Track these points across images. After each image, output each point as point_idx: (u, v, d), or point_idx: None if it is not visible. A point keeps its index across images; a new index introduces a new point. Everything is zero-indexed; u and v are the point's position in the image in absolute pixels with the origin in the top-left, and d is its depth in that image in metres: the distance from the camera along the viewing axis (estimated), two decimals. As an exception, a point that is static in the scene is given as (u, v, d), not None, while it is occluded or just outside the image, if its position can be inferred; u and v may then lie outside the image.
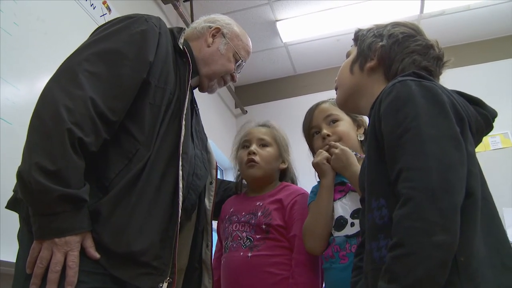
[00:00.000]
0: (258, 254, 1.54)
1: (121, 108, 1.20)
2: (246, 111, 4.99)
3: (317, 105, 1.69)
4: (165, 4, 3.45)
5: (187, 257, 1.48)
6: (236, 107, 5.01)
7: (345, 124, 1.61)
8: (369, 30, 1.25)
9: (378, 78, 1.18)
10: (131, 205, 1.15)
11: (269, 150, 1.72)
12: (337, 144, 1.54)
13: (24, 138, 1.10)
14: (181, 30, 1.54)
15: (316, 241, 1.48)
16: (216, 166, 1.69)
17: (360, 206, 1.19)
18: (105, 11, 2.51)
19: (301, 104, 4.83)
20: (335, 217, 1.49)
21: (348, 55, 1.31)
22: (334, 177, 1.55)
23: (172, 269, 1.19)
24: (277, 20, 4.10)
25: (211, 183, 1.63)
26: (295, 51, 4.62)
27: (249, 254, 1.54)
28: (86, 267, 1.07)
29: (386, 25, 1.23)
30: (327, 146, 1.56)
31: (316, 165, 1.58)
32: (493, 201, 0.97)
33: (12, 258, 1.45)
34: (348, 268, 1.27)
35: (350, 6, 3.94)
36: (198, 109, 1.65)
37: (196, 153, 1.44)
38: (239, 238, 1.60)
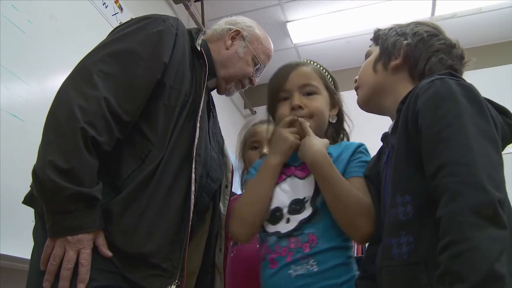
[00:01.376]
0: None
1: (134, 108, 1.20)
2: (255, 111, 4.98)
3: (296, 66, 1.40)
4: (176, 4, 3.47)
5: (200, 260, 1.47)
6: (245, 107, 5.01)
7: (322, 100, 1.34)
8: (390, 29, 1.24)
9: (403, 76, 1.17)
10: (142, 206, 1.16)
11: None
12: (307, 126, 1.27)
13: (36, 135, 1.12)
14: (199, 31, 1.53)
15: (245, 229, 1.26)
16: (232, 169, 1.66)
17: (299, 197, 1.23)
18: (117, 10, 2.53)
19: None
20: (272, 207, 1.26)
21: (368, 55, 1.29)
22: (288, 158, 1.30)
23: (181, 272, 1.19)
24: (288, 21, 4.10)
25: (226, 186, 1.61)
26: (305, 52, 4.61)
27: None
28: (98, 264, 1.08)
29: (408, 24, 1.22)
30: (295, 118, 1.29)
31: (279, 135, 1.29)
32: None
33: (13, 252, 1.48)
34: (277, 275, 1.18)
35: (361, 8, 3.93)
36: (215, 111, 1.63)
37: (212, 155, 1.43)
38: None
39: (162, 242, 1.17)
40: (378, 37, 1.27)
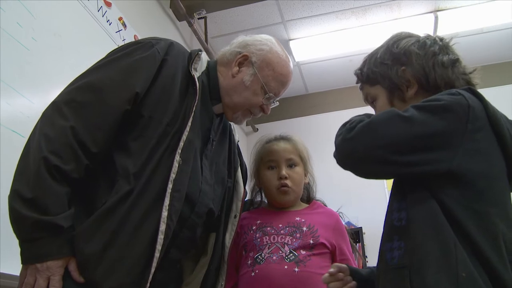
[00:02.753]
0: (305, 270, 1.49)
1: (103, 137, 1.17)
2: (257, 129, 4.99)
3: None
4: (179, 21, 3.50)
5: None
6: (247, 124, 5.02)
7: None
8: (373, 63, 1.22)
9: (421, 97, 1.12)
10: (107, 237, 1.11)
11: (298, 171, 1.68)
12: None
13: (36, 151, 1.14)
14: (198, 51, 1.41)
15: None
16: (243, 197, 1.56)
17: None
18: (121, 27, 2.55)
19: (312, 124, 4.91)
20: None
21: (371, 98, 1.26)
22: None
23: None
24: (290, 39, 4.13)
25: (235, 216, 1.51)
26: (307, 70, 4.64)
27: (296, 269, 1.49)
28: None
29: (385, 49, 1.22)
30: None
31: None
32: None
33: (13, 271, 1.47)
34: None
35: (363, 27, 3.96)
36: (219, 138, 1.51)
37: (203, 189, 1.33)
38: (280, 251, 1.54)
39: (124, 281, 1.11)
40: (368, 77, 1.24)
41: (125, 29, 2.58)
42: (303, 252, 1.53)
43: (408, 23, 3.88)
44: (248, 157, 1.83)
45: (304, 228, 1.58)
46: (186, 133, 1.24)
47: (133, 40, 2.67)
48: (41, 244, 1.05)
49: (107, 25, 2.40)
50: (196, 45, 3.71)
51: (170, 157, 1.21)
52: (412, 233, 0.94)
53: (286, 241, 1.55)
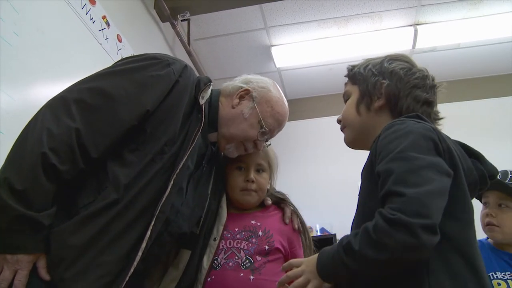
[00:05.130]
0: (260, 278, 1.50)
1: (104, 145, 1.18)
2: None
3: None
4: (163, 22, 3.50)
5: None
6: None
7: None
8: (365, 67, 1.28)
9: (385, 115, 1.22)
10: (85, 240, 1.11)
11: (265, 177, 1.69)
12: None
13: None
14: (208, 81, 1.45)
15: None
16: (226, 224, 1.57)
17: None
18: (104, 25, 2.54)
19: (291, 130, 4.91)
20: None
21: (347, 96, 1.33)
22: None
23: None
24: (272, 45, 4.16)
25: (214, 239, 1.52)
26: (288, 76, 4.67)
27: (251, 277, 1.49)
28: (34, 285, 1.07)
29: (381, 61, 1.27)
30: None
31: None
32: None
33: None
34: None
35: (345, 36, 4.02)
36: (210, 166, 1.55)
37: (181, 210, 1.34)
38: (236, 257, 1.53)
39: (92, 287, 1.10)
40: (354, 76, 1.31)
41: (108, 28, 2.58)
42: (258, 258, 1.53)
43: (388, 35, 3.96)
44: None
45: (260, 233, 1.59)
46: (185, 158, 1.27)
47: (116, 39, 2.67)
48: (18, 237, 1.05)
49: (90, 23, 2.39)
50: (179, 47, 3.72)
51: (163, 178, 1.24)
52: None
53: (242, 246, 1.55)
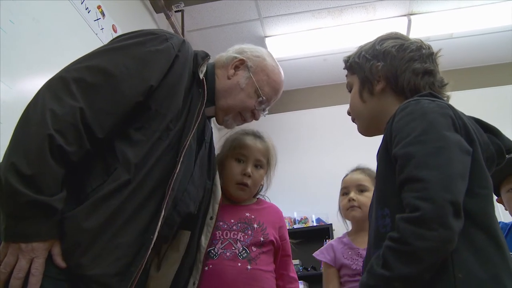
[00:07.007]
0: (256, 268, 1.55)
1: (110, 124, 1.15)
2: (230, 124, 5.00)
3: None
4: (157, 13, 3.50)
5: None
6: (220, 119, 5.01)
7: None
8: (358, 55, 1.28)
9: (390, 96, 1.20)
10: (98, 226, 1.08)
11: (261, 174, 1.72)
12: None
13: (12, 137, 1.09)
14: (206, 56, 1.43)
15: None
16: (221, 200, 1.57)
17: None
18: (99, 15, 2.54)
19: (285, 120, 4.94)
20: None
21: (349, 87, 1.32)
22: None
23: None
24: (266, 36, 4.17)
25: (211, 218, 1.52)
26: (282, 67, 4.63)
27: (249, 267, 1.54)
28: (51, 272, 1.03)
29: (372, 45, 1.27)
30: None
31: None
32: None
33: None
34: None
35: (338, 27, 4.04)
36: (210, 142, 1.54)
37: (188, 189, 1.33)
38: (233, 247, 1.57)
39: (108, 271, 1.08)
40: (351, 66, 1.30)
41: (103, 18, 2.57)
42: (254, 249, 1.58)
43: (382, 25, 3.98)
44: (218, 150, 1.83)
45: (255, 225, 1.63)
46: (190, 134, 1.26)
47: (111, 30, 2.66)
48: (31, 223, 1.00)
49: (85, 12, 2.39)
50: (173, 38, 3.71)
51: (171, 154, 1.23)
52: None
53: (238, 238, 1.59)
